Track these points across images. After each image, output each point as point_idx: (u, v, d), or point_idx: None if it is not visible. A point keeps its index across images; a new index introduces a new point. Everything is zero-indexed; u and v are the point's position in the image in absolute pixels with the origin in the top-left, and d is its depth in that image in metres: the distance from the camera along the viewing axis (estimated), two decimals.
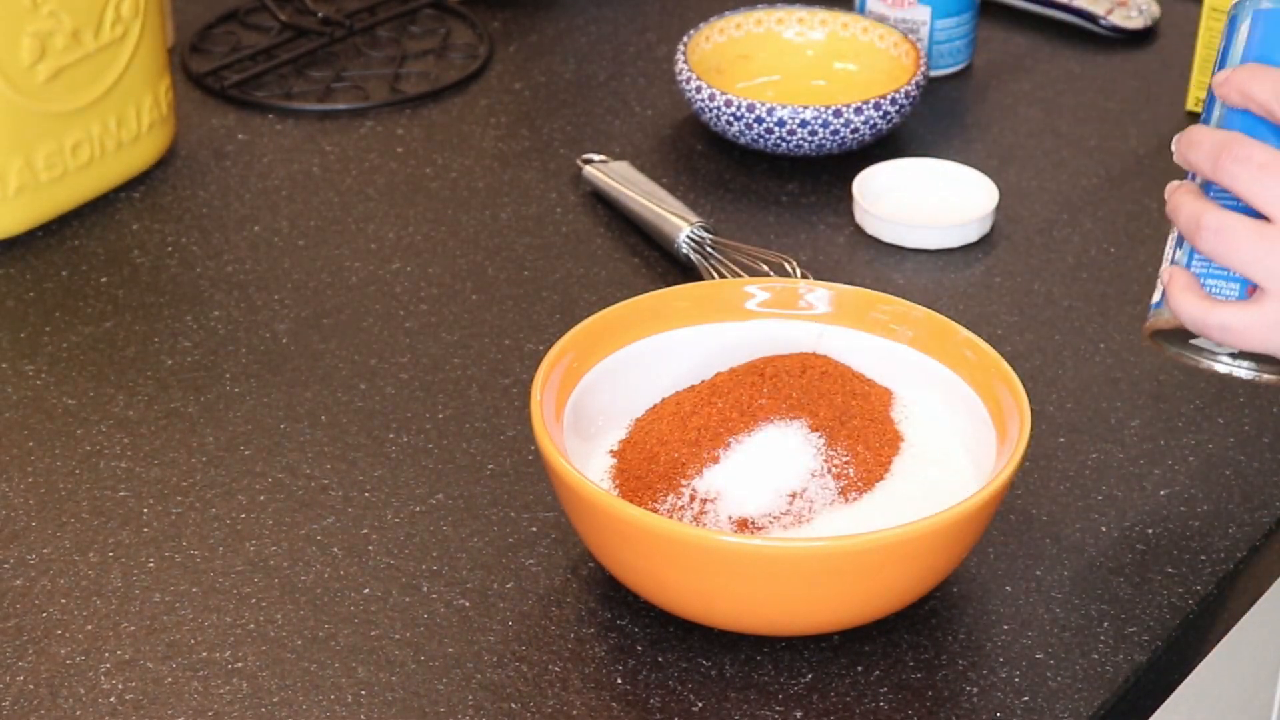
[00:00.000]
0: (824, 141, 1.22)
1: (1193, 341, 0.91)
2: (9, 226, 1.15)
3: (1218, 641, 0.95)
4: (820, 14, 1.33)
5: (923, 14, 1.33)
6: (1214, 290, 0.87)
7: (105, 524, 0.95)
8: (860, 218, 1.19)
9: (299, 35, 1.38)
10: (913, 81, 1.24)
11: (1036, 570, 0.93)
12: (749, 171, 1.24)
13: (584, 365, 0.94)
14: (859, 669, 0.87)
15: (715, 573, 0.83)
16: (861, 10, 1.36)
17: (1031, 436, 0.88)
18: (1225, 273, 0.86)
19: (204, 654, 0.88)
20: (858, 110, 1.22)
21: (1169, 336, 0.91)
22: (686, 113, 1.31)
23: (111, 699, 0.85)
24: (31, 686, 0.86)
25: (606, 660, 0.88)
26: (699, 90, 1.24)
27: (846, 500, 0.89)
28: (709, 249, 1.13)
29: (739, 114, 1.22)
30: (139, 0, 1.17)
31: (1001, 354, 0.92)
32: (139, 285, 1.13)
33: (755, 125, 1.22)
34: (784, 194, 1.22)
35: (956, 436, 0.93)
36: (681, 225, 1.14)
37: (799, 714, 0.85)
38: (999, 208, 1.20)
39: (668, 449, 0.91)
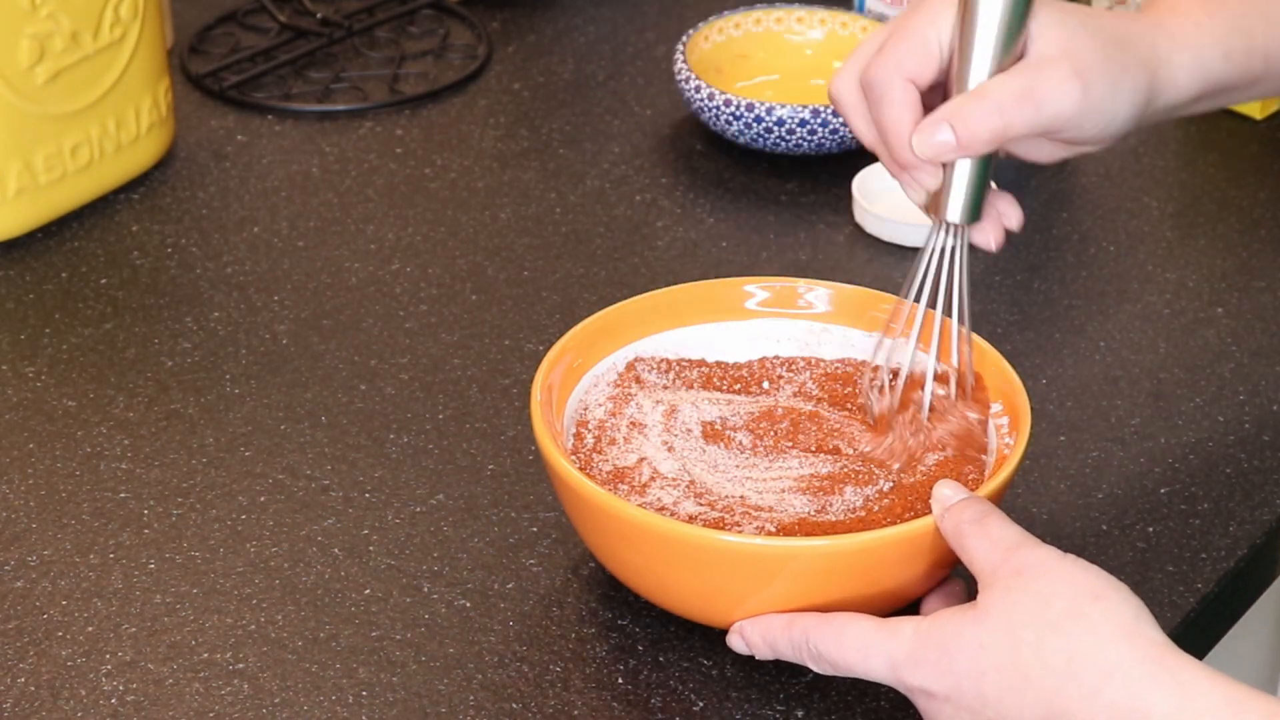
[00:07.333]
0: (823, 141, 1.22)
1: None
2: (8, 228, 1.15)
3: (1218, 640, 0.95)
4: (819, 13, 1.33)
5: None
6: None
7: (106, 525, 0.95)
8: (859, 217, 1.18)
9: (298, 36, 1.38)
10: None
11: None
12: (748, 171, 1.24)
13: (584, 365, 0.94)
14: None
15: (715, 573, 0.83)
16: (861, 10, 1.36)
17: (1031, 436, 0.88)
18: None
19: (205, 655, 0.88)
20: None
21: None
22: (685, 112, 1.31)
23: (113, 700, 0.85)
24: (32, 688, 0.86)
25: (607, 660, 0.88)
26: (698, 90, 1.23)
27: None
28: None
29: (738, 113, 1.22)
30: (138, 2, 1.17)
31: (1001, 353, 0.92)
32: (139, 287, 1.13)
33: (754, 125, 1.22)
34: (783, 193, 1.22)
35: None
36: None
37: (800, 713, 0.85)
38: None
39: None
